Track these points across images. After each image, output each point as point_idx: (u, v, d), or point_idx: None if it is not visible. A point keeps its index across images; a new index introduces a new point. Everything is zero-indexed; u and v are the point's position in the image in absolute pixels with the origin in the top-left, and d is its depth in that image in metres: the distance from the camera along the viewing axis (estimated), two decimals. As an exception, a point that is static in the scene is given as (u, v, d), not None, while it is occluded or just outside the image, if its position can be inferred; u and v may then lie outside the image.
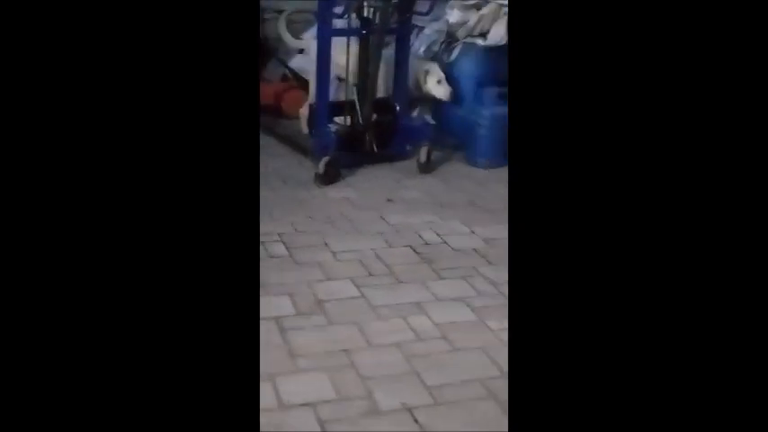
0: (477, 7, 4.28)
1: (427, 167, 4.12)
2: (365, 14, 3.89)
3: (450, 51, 4.40)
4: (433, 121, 4.37)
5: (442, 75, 4.24)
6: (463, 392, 2.17)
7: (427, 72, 4.25)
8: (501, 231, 3.42)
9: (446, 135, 4.37)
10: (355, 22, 3.91)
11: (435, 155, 4.26)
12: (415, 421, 2.03)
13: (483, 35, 4.29)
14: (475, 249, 3.20)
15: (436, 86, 4.24)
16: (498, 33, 4.20)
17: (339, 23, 3.97)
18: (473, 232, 3.39)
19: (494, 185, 3.97)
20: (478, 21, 4.26)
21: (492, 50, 4.22)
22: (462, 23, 4.32)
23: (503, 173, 4.13)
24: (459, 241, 3.28)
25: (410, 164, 4.17)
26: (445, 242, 3.27)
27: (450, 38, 4.43)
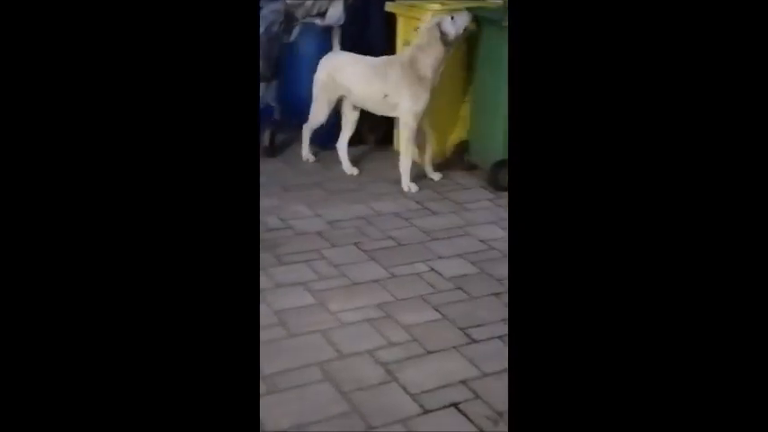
0: (314, -13, 4.24)
1: (272, 151, 4.06)
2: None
3: (290, 32, 4.33)
4: (275, 104, 4.29)
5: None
6: (300, 378, 2.17)
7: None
8: (345, 213, 3.43)
9: (291, 117, 4.32)
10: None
11: (280, 138, 4.21)
12: (250, 413, 2.00)
13: (321, 15, 4.26)
14: (318, 232, 3.19)
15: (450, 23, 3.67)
16: (336, 13, 4.18)
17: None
18: (318, 215, 3.38)
19: (340, 166, 3.96)
20: (316, 1, 4.22)
21: (330, 30, 4.20)
22: (300, 4, 4.26)
23: (349, 152, 4.12)
24: (302, 225, 3.26)
25: (256, 148, 4.09)
26: (289, 226, 3.24)
27: (289, 18, 4.36)
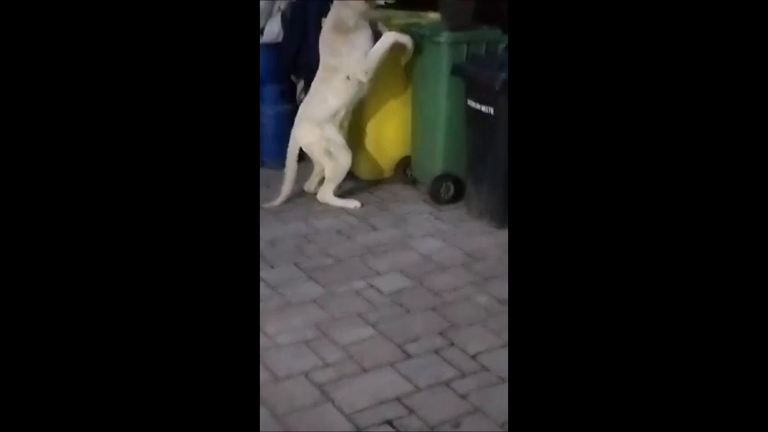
0: (251, 5, 4.24)
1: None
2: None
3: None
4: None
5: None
6: (232, 403, 2.15)
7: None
8: (284, 231, 3.43)
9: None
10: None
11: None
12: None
13: (259, 32, 4.25)
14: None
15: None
16: (273, 30, 4.19)
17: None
18: (257, 234, 3.37)
19: (280, 186, 3.91)
20: (254, 18, 4.22)
21: (269, 48, 4.19)
22: (238, 21, 4.26)
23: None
24: (241, 245, 3.24)
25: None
26: (227, 247, 3.22)
27: (227, 36, 4.34)
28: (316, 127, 3.71)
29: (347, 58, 3.63)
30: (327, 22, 3.69)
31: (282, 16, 4.19)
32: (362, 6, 3.63)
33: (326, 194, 3.78)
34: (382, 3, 3.71)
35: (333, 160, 3.74)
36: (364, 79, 3.68)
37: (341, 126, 3.80)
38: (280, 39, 4.18)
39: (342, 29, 3.63)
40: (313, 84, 3.81)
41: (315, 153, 3.77)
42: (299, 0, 4.13)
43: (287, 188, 3.78)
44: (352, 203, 3.76)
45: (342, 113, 3.76)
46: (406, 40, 3.68)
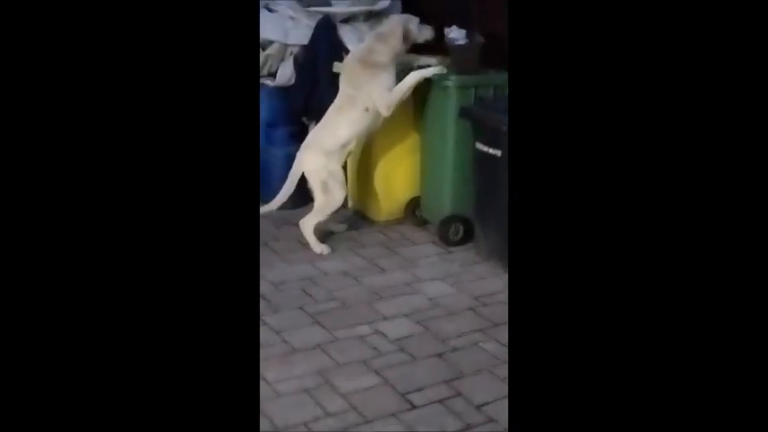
0: (263, 47, 4.26)
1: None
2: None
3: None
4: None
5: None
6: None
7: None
8: (290, 273, 3.40)
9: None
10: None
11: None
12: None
13: (272, 75, 4.28)
14: (261, 296, 3.15)
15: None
16: (286, 74, 4.21)
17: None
18: (261, 276, 3.34)
19: (289, 227, 3.89)
20: (266, 61, 4.25)
21: (281, 90, 4.22)
22: (250, 64, 4.29)
23: (297, 214, 3.96)
24: (247, 288, 3.21)
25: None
26: (233, 291, 3.19)
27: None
28: (322, 156, 3.69)
29: (368, 92, 3.64)
30: (355, 53, 3.72)
31: (295, 60, 4.22)
32: (399, 47, 3.67)
33: (307, 225, 3.70)
34: (421, 41, 3.77)
35: (327, 194, 3.69)
36: (387, 114, 3.68)
37: (348, 155, 3.81)
38: (292, 82, 4.21)
39: (369, 62, 3.65)
40: (327, 112, 3.79)
41: (312, 181, 3.74)
42: (311, 44, 4.16)
43: (281, 197, 3.73)
44: (320, 248, 3.66)
45: (351, 146, 3.76)
46: (432, 71, 3.70)
